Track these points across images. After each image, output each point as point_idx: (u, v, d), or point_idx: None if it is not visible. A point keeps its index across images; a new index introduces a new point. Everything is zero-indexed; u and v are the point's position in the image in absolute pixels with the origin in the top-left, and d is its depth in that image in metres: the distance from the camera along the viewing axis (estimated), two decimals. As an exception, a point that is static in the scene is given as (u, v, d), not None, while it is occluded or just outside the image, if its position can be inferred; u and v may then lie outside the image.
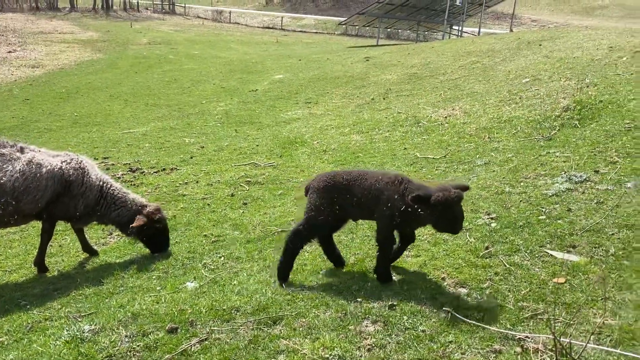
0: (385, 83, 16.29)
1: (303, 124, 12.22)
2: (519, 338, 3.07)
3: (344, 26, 35.39)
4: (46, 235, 5.24)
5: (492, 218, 5.07)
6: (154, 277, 4.83)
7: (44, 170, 4.98)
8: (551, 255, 4.13)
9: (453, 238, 4.65)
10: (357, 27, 34.98)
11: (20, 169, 4.87)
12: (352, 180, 4.12)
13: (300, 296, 3.92)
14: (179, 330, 3.60)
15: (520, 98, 10.91)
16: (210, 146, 10.73)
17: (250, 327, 3.54)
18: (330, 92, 16.03)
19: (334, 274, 4.33)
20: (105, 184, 5.32)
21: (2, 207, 4.75)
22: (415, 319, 3.46)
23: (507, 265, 4.04)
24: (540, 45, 16.83)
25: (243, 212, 6.56)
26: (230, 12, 54.93)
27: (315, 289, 4.05)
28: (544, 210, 5.06)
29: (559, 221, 4.73)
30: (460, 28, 27.32)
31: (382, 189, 3.95)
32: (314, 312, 3.66)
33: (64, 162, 5.15)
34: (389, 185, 3.95)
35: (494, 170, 6.87)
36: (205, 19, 55.68)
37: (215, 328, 3.57)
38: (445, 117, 10.78)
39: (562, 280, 3.69)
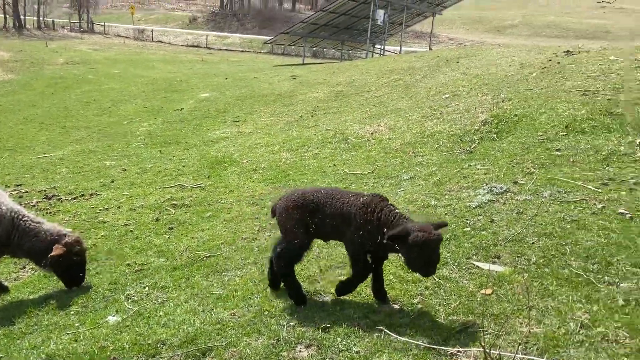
0: (312, 101, 16.41)
1: (231, 142, 12.04)
2: (451, 353, 3.09)
3: (269, 45, 35.51)
4: None
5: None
6: (72, 312, 4.51)
7: None
8: (477, 266, 4.23)
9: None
10: (282, 46, 35.23)
11: None
12: (322, 199, 3.90)
13: (231, 324, 3.77)
14: (99, 370, 3.35)
15: (441, 113, 11.29)
16: (133, 169, 10.31)
17: (178, 361, 3.35)
18: (259, 110, 15.94)
19: (267, 298, 4.21)
20: (16, 214, 4.95)
21: None
22: (349, 340, 3.41)
23: (437, 279, 4.09)
24: (457, 62, 17.60)
25: (169, 237, 6.30)
26: (152, 31, 53.71)
27: (246, 315, 3.92)
28: (468, 222, 5.20)
29: (483, 232, 4.87)
30: (382, 47, 28.13)
31: (355, 214, 3.73)
32: (246, 341, 3.52)
33: None
34: (363, 211, 3.72)
35: (419, 184, 7.02)
36: (126, 37, 54.13)
37: (140, 365, 3.36)
38: (372, 133, 10.97)
39: (489, 291, 3.77)
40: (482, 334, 3.13)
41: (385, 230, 3.56)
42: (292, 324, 3.71)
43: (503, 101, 10.57)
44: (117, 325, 4.02)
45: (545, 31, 48.51)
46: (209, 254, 5.50)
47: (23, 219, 4.96)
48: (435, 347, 3.11)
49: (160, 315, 4.07)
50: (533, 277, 3.92)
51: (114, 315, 4.22)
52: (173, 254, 5.67)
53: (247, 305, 4.12)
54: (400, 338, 3.26)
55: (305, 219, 3.89)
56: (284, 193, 4.34)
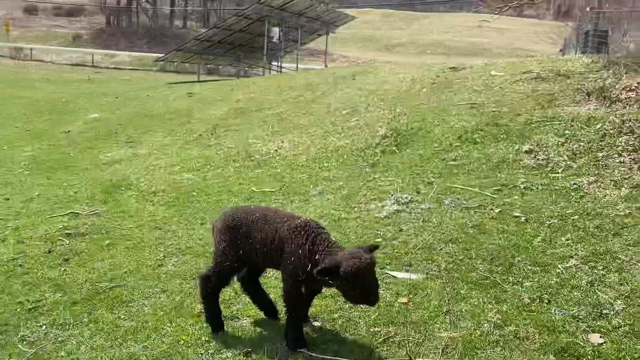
0: (211, 119, 16.08)
1: (127, 165, 11.43)
2: (378, 365, 3.10)
3: (161, 63, 34.46)
4: None
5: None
6: (-47, 363, 3.97)
7: None
8: (392, 275, 4.32)
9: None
10: (175, 63, 34.33)
11: None
12: (253, 221, 3.58)
13: (144, 358, 3.52)
14: None
15: (342, 129, 11.53)
16: (17, 198, 9.42)
17: (86, 406, 3.05)
18: (154, 129, 15.32)
19: (180, 327, 3.98)
20: None
21: None
22: (272, 364, 3.31)
23: (354, 292, 4.11)
24: (354, 79, 18.16)
25: (65, 269, 5.78)
26: (31, 49, 50.07)
27: (161, 346, 3.67)
28: (379, 232, 5.31)
29: (393, 242, 5.00)
30: (279, 64, 28.37)
31: (286, 239, 3.43)
32: (162, 374, 3.30)
33: None
34: (294, 236, 3.41)
35: (328, 199, 7.09)
36: (1, 56, 49.98)
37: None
38: (276, 150, 10.93)
39: (405, 300, 3.85)
40: (405, 342, 3.17)
41: (317, 258, 3.28)
42: (210, 351, 3.53)
43: (399, 115, 11.03)
44: (11, 373, 3.59)
45: (430, 49, 51.58)
46: (112, 285, 5.12)
47: None
48: (362, 361, 3.11)
49: (62, 356, 3.70)
50: (445, 282, 4.07)
51: (6, 362, 3.78)
52: (71, 288, 5.20)
53: (160, 335, 3.86)
54: (326, 357, 3.21)
55: (237, 243, 3.60)
56: (224, 210, 4.09)
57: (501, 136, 8.22)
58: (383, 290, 4.10)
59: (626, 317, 3.37)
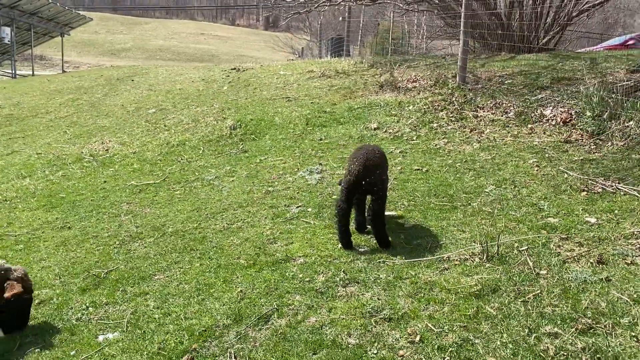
0: (-22, 127, 13.92)
1: None
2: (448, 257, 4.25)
3: None
4: None
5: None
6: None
7: None
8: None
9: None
10: None
11: None
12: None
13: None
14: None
15: (165, 126, 11.70)
16: None
17: None
18: None
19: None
20: None
21: None
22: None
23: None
24: (132, 80, 17.79)
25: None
26: None
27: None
28: (332, 193, 6.31)
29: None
30: (13, 68, 24.95)
31: None
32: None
33: None
34: None
35: (232, 181, 7.63)
36: None
37: None
38: (106, 150, 10.50)
39: (408, 223, 5.04)
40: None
41: None
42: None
43: (225, 110, 11.82)
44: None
45: (159, 54, 51.30)
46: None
47: None
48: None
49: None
50: (424, 211, 5.39)
51: None
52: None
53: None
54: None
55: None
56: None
57: (341, 120, 9.88)
58: (391, 225, 5.19)
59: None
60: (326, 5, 14.55)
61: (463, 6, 10.07)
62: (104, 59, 49.74)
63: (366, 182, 4.45)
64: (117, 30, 60.33)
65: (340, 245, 4.61)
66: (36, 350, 3.66)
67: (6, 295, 3.81)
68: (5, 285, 3.85)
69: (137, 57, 50.58)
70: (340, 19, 19.49)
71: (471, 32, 10.15)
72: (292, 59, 26.11)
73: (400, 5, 16.46)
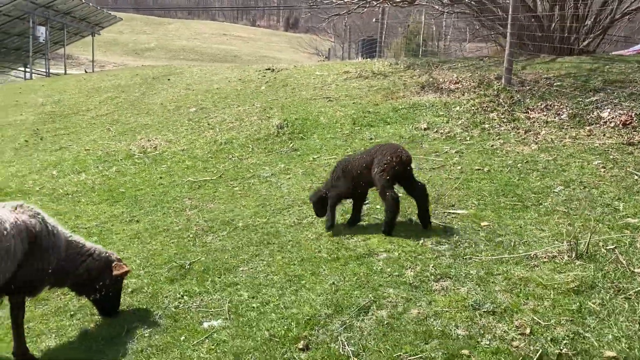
0: (23, 124, 14.26)
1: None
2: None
3: None
4: (21, 312, 3.67)
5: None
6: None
7: (7, 225, 3.25)
8: (458, 213, 5.51)
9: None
10: None
11: None
12: None
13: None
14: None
15: (210, 124, 11.87)
16: None
17: None
18: (-44, 138, 12.91)
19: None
20: (64, 231, 3.72)
21: None
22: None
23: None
24: (168, 79, 18.03)
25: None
26: None
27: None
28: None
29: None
30: (47, 67, 25.40)
31: None
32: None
33: (19, 211, 3.40)
34: None
35: (289, 178, 7.75)
36: None
37: None
38: (154, 147, 10.68)
39: (486, 223, 5.11)
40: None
41: None
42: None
43: (268, 109, 11.97)
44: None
45: (182, 54, 51.81)
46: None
47: (72, 237, 3.76)
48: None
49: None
50: (495, 210, 5.47)
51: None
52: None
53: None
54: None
55: None
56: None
57: (388, 120, 9.97)
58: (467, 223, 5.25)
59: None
60: (364, 7, 14.65)
61: (511, 7, 10.11)
62: (128, 59, 50.39)
63: (410, 167, 5.07)
64: (141, 30, 61.06)
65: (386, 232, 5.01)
66: (145, 335, 3.80)
67: (116, 273, 3.97)
68: (113, 265, 4.01)
69: (160, 57, 51.13)
70: (374, 20, 19.58)
71: (510, 34, 10.17)
72: (323, 60, 26.30)
73: (436, 7, 16.52)
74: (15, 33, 24.93)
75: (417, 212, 5.12)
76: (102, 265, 3.99)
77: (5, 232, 3.27)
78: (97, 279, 3.95)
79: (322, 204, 5.50)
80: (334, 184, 5.49)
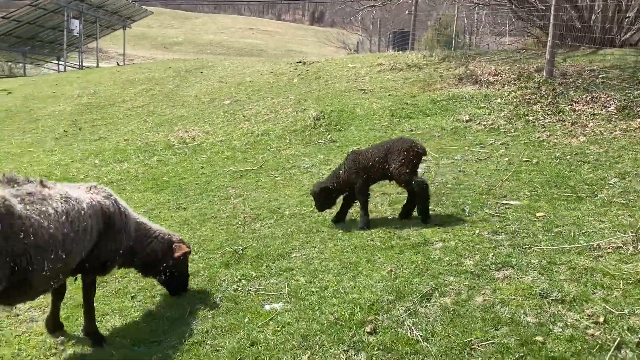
0: (62, 114, 14.51)
1: (16, 163, 9.90)
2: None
3: None
4: (93, 291, 3.79)
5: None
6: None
7: (85, 205, 3.33)
8: (510, 204, 5.43)
9: None
10: None
11: (62, 210, 3.11)
12: None
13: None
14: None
15: (245, 116, 11.91)
16: None
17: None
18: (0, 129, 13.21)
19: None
20: (133, 213, 3.82)
21: (51, 266, 3.04)
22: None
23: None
24: (201, 72, 18.16)
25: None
26: None
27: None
28: (442, 180, 6.35)
29: (460, 186, 6.10)
30: (80, 59, 25.86)
31: None
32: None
33: (93, 192, 3.54)
34: None
35: (330, 169, 7.73)
36: None
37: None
38: (192, 138, 10.78)
39: (542, 213, 5.03)
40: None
41: None
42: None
43: (302, 101, 11.97)
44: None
45: (209, 49, 52.14)
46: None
47: (139, 219, 3.85)
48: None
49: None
50: (547, 201, 5.37)
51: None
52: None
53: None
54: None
55: None
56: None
57: (427, 112, 9.88)
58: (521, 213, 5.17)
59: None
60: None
61: (554, -1, 9.91)
62: (157, 53, 50.89)
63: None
64: (168, 24, 61.65)
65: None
66: (208, 316, 3.84)
67: (177, 254, 4.03)
68: (173, 247, 4.07)
69: (188, 51, 51.54)
70: (407, 12, 19.41)
71: (553, 25, 9.95)
72: (352, 53, 26.23)
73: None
74: (50, 26, 25.38)
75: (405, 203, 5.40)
76: (165, 247, 4.06)
77: (83, 212, 3.34)
78: (161, 260, 4.01)
79: (326, 196, 5.41)
80: (351, 178, 5.34)
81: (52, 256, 3.08)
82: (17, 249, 2.89)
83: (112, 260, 3.76)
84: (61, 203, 3.22)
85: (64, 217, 3.17)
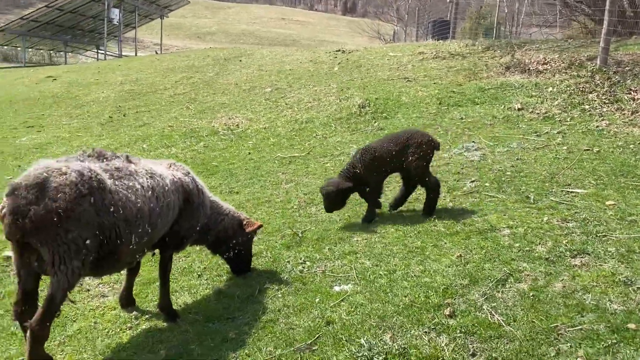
0: (106, 101, 14.74)
1: (61, 148, 10.09)
2: None
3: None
4: (170, 266, 3.81)
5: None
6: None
7: (168, 181, 3.39)
8: (576, 192, 5.29)
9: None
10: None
11: (148, 185, 3.16)
12: None
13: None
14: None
15: (287, 104, 11.89)
16: None
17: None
18: (47, 114, 13.51)
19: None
20: (208, 191, 3.93)
21: (138, 240, 3.08)
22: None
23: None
24: (240, 61, 18.22)
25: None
26: None
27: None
28: (500, 168, 6.22)
29: (520, 174, 5.96)
30: (119, 49, 26.26)
31: None
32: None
33: (173, 169, 3.59)
34: None
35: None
36: None
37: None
38: (237, 125, 10.81)
39: (611, 202, 4.87)
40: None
41: None
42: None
43: (346, 89, 11.88)
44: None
45: (242, 39, 52.38)
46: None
47: (212, 197, 3.90)
48: None
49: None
50: (615, 190, 5.21)
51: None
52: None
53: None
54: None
55: None
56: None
57: (476, 100, 9.69)
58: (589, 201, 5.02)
59: None
60: (443, -14, 14.26)
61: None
62: (190, 42, 51.36)
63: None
64: (202, 14, 62.15)
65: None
66: (278, 295, 3.84)
67: (250, 229, 4.05)
68: (245, 223, 4.09)
69: (221, 40, 51.88)
70: (448, 1, 19.09)
71: (609, 11, 9.61)
72: (389, 43, 25.99)
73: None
74: (90, 15, 25.81)
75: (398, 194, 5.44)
76: (236, 224, 4.07)
77: (166, 188, 3.36)
78: (232, 237, 4.03)
79: (343, 197, 5.15)
80: (370, 175, 5.18)
81: (140, 230, 3.10)
82: (107, 223, 2.92)
83: (189, 237, 3.78)
84: (147, 179, 3.24)
85: (150, 192, 3.20)
